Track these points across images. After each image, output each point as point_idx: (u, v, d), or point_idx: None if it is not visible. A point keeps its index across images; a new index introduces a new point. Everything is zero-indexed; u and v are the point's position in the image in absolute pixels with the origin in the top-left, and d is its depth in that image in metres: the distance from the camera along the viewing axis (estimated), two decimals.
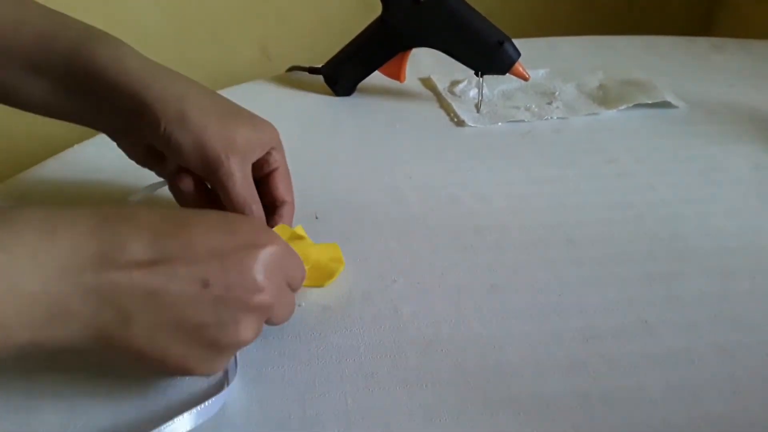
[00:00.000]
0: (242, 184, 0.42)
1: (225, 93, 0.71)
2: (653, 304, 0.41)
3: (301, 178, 0.55)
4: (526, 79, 0.64)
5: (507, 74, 0.63)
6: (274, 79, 0.74)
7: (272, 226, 0.44)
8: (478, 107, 0.66)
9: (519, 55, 0.62)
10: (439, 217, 0.50)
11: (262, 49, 1.12)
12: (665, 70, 0.75)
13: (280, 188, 0.45)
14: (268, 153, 0.45)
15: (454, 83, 0.72)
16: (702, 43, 0.84)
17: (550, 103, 0.67)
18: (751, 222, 0.49)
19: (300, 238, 0.43)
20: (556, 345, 0.38)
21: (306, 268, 0.39)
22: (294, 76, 0.74)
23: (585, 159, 0.58)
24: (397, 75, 0.68)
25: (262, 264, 0.32)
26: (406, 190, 0.53)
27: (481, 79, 0.64)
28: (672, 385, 0.35)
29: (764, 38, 0.84)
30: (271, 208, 0.46)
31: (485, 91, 0.70)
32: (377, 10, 0.65)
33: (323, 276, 0.42)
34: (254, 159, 0.44)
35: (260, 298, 0.32)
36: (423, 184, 0.54)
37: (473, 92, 0.69)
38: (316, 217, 0.50)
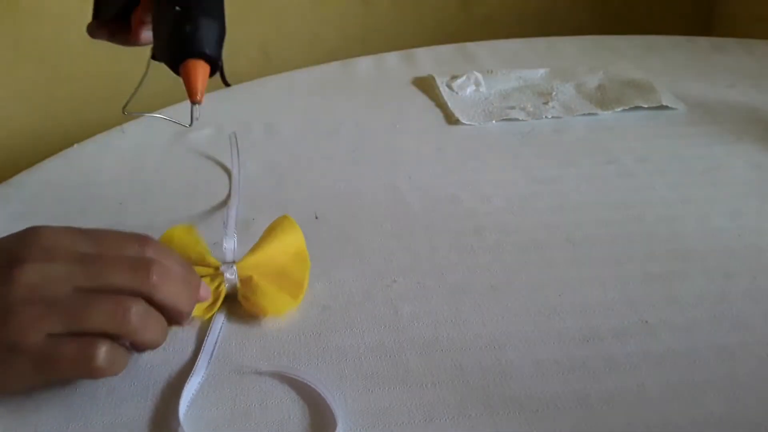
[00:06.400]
0: None
1: (225, 93, 0.71)
2: (653, 304, 0.41)
3: (301, 178, 0.55)
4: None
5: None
6: (274, 79, 0.74)
7: None
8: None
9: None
10: (439, 217, 0.50)
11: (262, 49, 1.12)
12: (665, 70, 0.75)
13: None
14: None
15: (453, 78, 0.72)
16: (702, 43, 0.84)
17: (546, 103, 0.67)
18: (751, 222, 0.49)
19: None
20: (556, 345, 0.38)
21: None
22: (295, 76, 0.74)
23: (585, 159, 0.58)
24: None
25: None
26: (406, 190, 0.53)
27: None
28: (672, 385, 0.35)
29: (765, 38, 0.84)
30: None
31: (482, 89, 0.70)
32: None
33: (291, 285, 0.41)
34: None
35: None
36: (423, 184, 0.54)
37: (471, 89, 0.69)
38: (316, 217, 0.50)
